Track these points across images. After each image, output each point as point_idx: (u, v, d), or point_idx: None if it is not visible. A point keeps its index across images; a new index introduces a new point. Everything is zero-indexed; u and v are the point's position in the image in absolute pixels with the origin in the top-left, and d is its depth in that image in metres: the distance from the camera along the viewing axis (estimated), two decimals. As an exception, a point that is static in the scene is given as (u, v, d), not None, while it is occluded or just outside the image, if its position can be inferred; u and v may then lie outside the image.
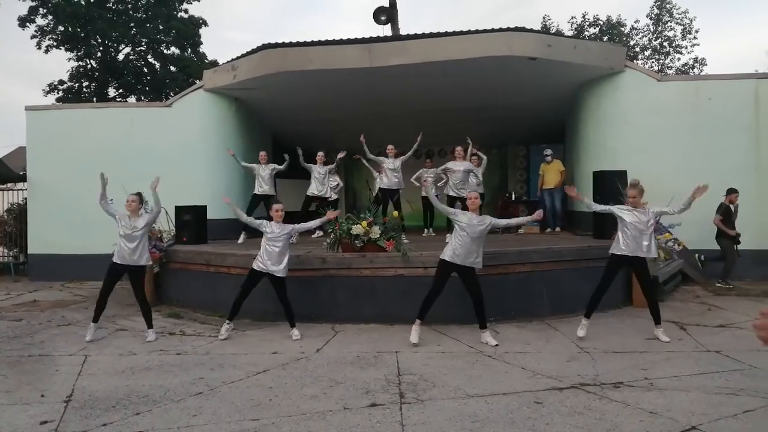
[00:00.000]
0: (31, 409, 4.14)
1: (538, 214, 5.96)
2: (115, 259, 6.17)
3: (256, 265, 6.17)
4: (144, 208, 8.03)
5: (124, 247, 6.12)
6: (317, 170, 9.55)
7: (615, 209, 5.82)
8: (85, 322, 6.50)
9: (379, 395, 4.31)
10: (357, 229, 7.01)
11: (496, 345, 5.67)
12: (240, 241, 9.28)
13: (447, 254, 5.75)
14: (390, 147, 9.49)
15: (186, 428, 3.74)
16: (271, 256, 6.12)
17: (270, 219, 6.36)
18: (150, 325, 6.32)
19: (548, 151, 11.39)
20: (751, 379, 4.50)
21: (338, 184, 10.82)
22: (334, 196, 10.51)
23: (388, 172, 9.28)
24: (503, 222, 6.06)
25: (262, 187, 9.48)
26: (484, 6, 64.31)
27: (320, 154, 9.78)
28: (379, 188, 9.60)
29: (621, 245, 5.75)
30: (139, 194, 6.40)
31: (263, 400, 4.25)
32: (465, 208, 6.03)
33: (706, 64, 25.17)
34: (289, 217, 11.91)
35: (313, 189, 9.55)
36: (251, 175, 9.71)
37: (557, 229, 11.09)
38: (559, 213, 11.26)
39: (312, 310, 6.90)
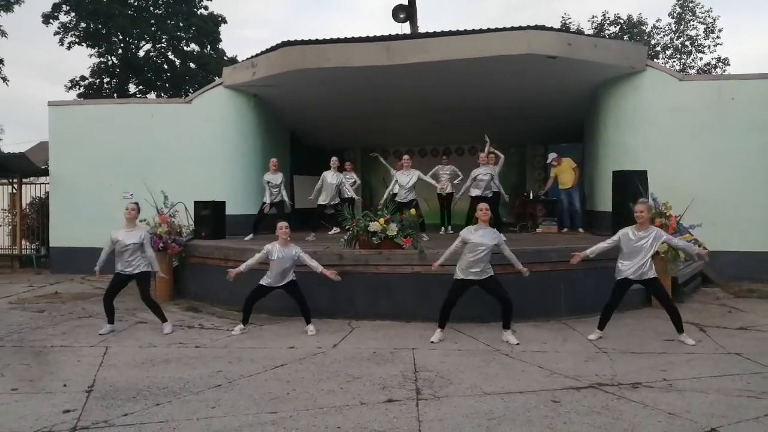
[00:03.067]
0: (54, 398, 4.22)
1: (525, 272, 5.96)
2: (117, 269, 6.27)
3: (266, 281, 6.25)
4: (165, 205, 8.16)
5: (122, 260, 6.21)
6: (329, 179, 9.47)
7: (619, 236, 5.77)
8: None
9: (395, 391, 4.33)
10: (374, 226, 7.04)
11: (517, 344, 5.66)
12: (247, 239, 9.13)
13: (461, 273, 5.80)
14: (406, 157, 9.45)
15: (205, 419, 3.79)
16: (278, 276, 6.20)
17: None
18: (164, 319, 6.40)
19: (552, 155, 11.28)
20: (773, 382, 4.44)
21: (355, 182, 10.80)
22: (350, 194, 10.41)
23: (400, 188, 9.19)
24: (507, 252, 5.94)
25: (271, 195, 9.46)
26: (499, 4, 64.01)
27: (334, 159, 9.72)
28: (396, 201, 9.22)
29: (622, 268, 5.73)
30: (137, 203, 6.44)
31: (281, 393, 4.29)
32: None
33: (729, 64, 24.78)
34: (306, 214, 11.96)
35: (323, 199, 9.52)
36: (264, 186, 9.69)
37: (580, 230, 10.87)
38: (578, 213, 11.14)
39: (329, 306, 6.94)
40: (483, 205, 5.92)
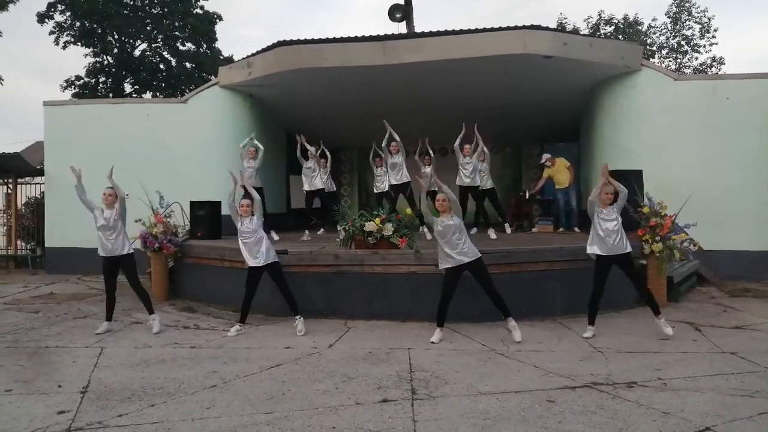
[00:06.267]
0: (49, 399, 4.21)
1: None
2: (100, 253, 6.30)
3: (250, 261, 6.26)
4: (160, 205, 8.13)
5: (105, 240, 6.25)
6: (306, 165, 9.69)
7: (595, 213, 5.84)
8: (101, 315, 6.58)
9: (391, 391, 4.33)
10: (370, 226, 7.04)
11: (519, 341, 5.69)
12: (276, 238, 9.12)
13: (442, 263, 5.83)
14: (393, 144, 9.45)
15: (200, 420, 3.78)
16: (249, 250, 6.22)
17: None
18: (151, 311, 6.40)
19: (545, 156, 11.26)
20: (767, 381, 4.46)
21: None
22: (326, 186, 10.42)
23: (390, 169, 9.47)
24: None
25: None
26: (495, 3, 64.00)
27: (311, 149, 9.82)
28: (390, 185, 9.63)
29: (598, 247, 5.80)
30: (111, 188, 6.48)
31: (276, 393, 4.29)
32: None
33: (724, 63, 24.82)
34: (302, 215, 11.91)
35: (306, 186, 9.71)
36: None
37: (576, 229, 10.79)
38: (575, 212, 11.11)
39: (324, 306, 6.94)
40: (440, 196, 5.82)
